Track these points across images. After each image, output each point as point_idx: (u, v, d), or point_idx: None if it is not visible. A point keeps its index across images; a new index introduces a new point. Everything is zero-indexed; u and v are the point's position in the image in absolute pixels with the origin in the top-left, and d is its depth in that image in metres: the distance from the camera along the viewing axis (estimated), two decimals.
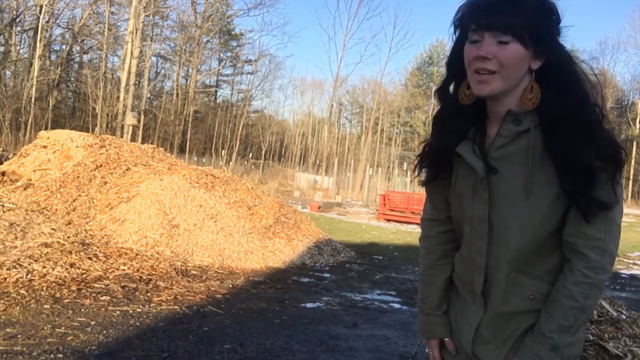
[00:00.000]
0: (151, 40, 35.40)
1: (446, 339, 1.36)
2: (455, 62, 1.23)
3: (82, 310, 4.19)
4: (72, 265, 5.16)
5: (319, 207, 18.68)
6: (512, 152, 1.17)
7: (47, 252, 5.20)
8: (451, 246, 1.37)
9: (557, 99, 1.14)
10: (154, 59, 38.08)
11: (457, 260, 1.33)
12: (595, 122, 1.14)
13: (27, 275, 4.69)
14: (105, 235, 6.57)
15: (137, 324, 4.00)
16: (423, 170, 1.36)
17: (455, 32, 1.24)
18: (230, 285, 5.74)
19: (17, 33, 31.88)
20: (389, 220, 17.16)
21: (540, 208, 1.14)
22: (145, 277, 5.47)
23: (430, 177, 1.34)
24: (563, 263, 1.17)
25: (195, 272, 6.16)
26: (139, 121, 29.20)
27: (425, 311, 1.39)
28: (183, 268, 6.15)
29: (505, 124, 1.18)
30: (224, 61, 44.85)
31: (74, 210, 7.13)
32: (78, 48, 36.10)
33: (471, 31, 1.16)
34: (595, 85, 1.18)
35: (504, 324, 1.22)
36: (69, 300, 4.39)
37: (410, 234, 13.91)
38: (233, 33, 44.46)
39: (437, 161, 1.31)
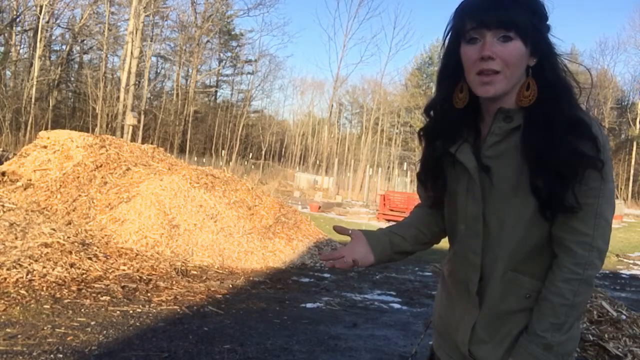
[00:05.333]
0: (151, 40, 35.41)
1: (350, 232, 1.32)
2: (452, 70, 1.21)
3: (82, 310, 4.18)
4: (72, 265, 5.16)
5: (319, 207, 18.68)
6: (504, 150, 1.17)
7: (47, 252, 5.20)
8: (434, 222, 1.38)
9: (546, 96, 1.14)
10: (154, 59, 38.15)
11: (452, 260, 1.33)
12: (579, 116, 1.13)
13: (27, 275, 4.69)
14: (105, 235, 6.57)
15: (137, 324, 4.00)
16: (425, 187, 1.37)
17: (445, 43, 1.22)
18: (230, 285, 5.74)
19: (17, 33, 31.89)
20: (389, 221, 17.15)
21: (531, 204, 1.13)
22: (145, 277, 5.47)
23: (429, 202, 1.37)
24: (553, 260, 1.16)
25: (195, 272, 6.15)
26: (139, 121, 29.17)
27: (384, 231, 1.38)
28: (183, 268, 6.15)
29: (496, 122, 1.17)
30: (224, 61, 44.90)
31: (74, 211, 7.13)
32: (78, 48, 36.11)
33: (468, 30, 1.14)
34: (580, 86, 1.18)
35: (501, 323, 1.21)
36: (69, 300, 4.39)
37: None
38: (233, 33, 44.47)
39: (433, 175, 1.30)
